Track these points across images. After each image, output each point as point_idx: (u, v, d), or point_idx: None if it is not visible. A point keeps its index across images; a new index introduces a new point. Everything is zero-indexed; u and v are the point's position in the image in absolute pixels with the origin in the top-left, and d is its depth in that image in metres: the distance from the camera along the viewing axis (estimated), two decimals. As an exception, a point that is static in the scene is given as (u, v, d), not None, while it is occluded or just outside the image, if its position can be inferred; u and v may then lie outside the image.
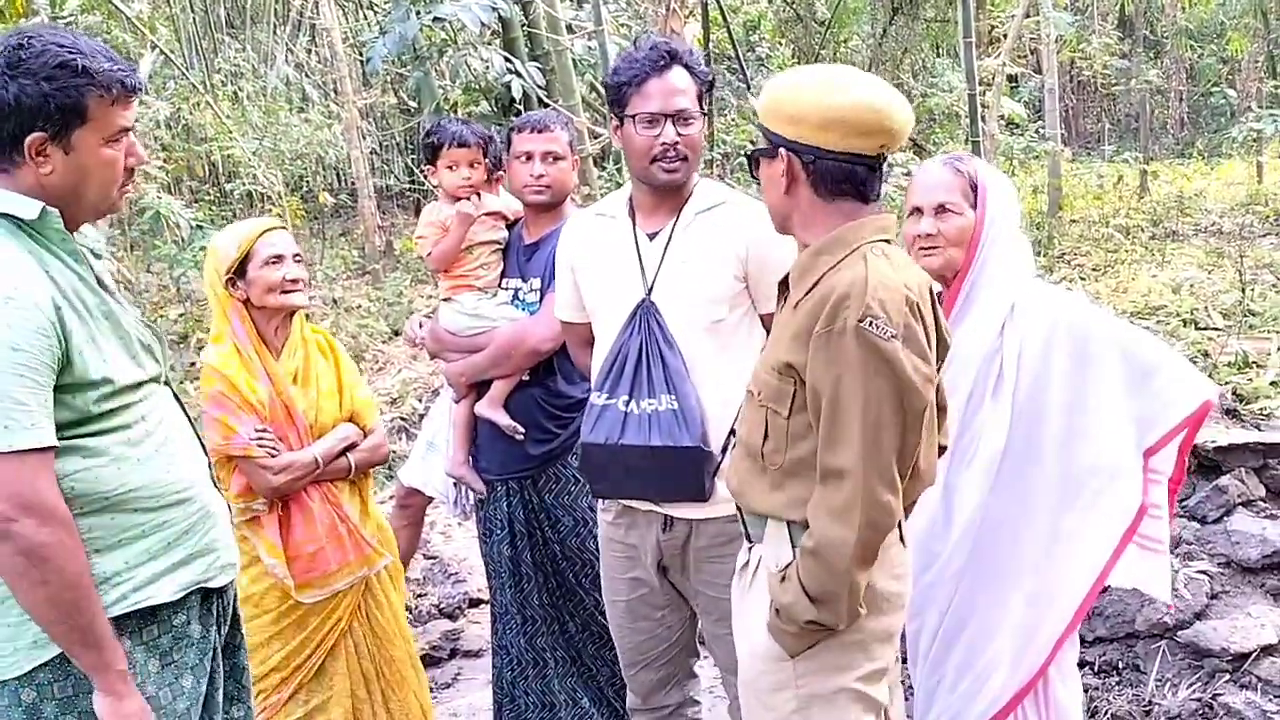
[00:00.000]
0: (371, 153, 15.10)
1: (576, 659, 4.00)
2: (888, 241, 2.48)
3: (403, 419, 7.94)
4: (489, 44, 7.61)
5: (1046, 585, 3.06)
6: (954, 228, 3.08)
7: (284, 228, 3.58)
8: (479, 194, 4.01)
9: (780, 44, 17.13)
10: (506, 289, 3.96)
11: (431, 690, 4.20)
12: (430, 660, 4.92)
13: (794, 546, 2.50)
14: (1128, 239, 11.76)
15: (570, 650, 3.99)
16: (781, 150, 2.48)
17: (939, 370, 2.55)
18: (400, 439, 7.64)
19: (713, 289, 3.11)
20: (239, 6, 16.99)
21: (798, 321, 2.45)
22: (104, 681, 2.40)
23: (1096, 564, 3.04)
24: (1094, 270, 10.71)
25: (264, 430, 3.44)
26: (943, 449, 2.69)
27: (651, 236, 3.22)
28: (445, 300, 4.02)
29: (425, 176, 4.25)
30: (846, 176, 2.47)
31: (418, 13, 7.01)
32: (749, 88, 12.87)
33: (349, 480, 3.63)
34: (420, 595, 5.57)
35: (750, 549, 2.67)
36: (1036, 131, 13.34)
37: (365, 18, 15.79)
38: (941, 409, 2.64)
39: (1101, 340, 3.04)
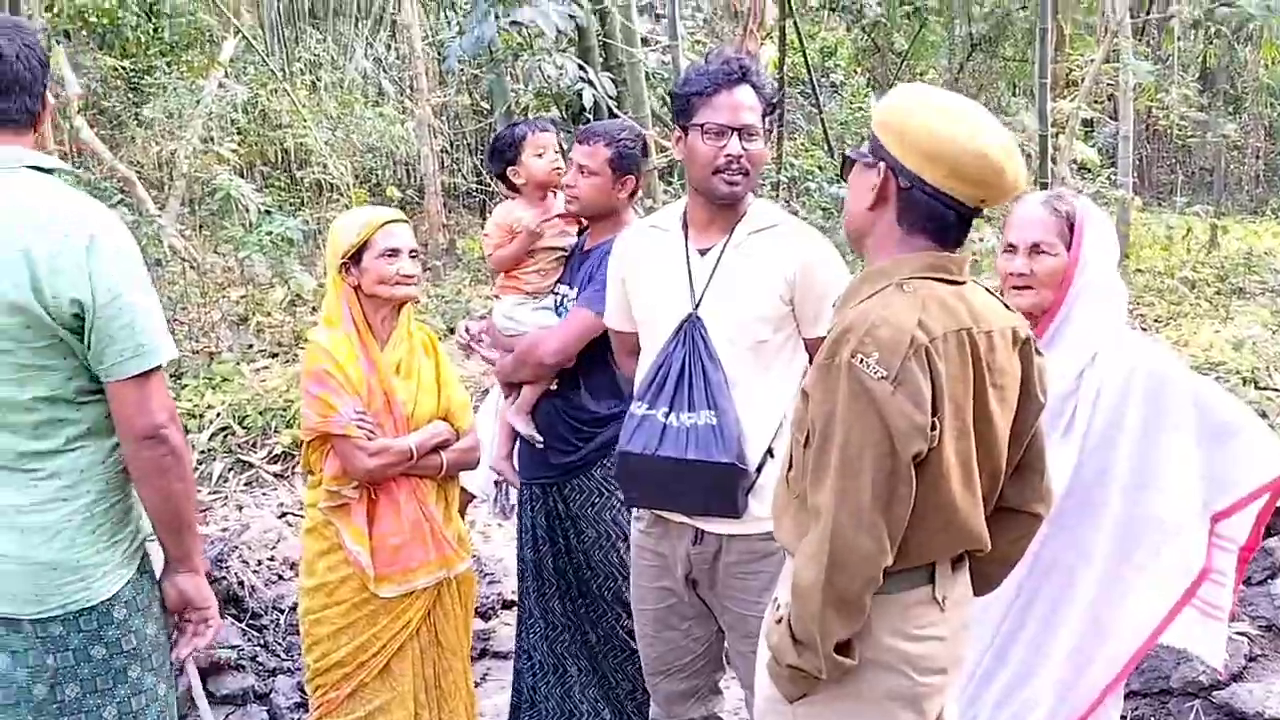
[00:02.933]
0: (442, 151, 15.20)
1: (597, 670, 4.00)
2: (948, 282, 2.35)
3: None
4: (564, 51, 7.65)
5: (1095, 634, 3.03)
6: (1046, 269, 3.07)
7: (405, 220, 3.59)
8: (554, 192, 4.05)
9: (856, 72, 17.09)
10: (557, 294, 4.00)
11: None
12: (460, 658, 4.93)
13: None
14: (1192, 292, 11.61)
15: (591, 660, 4.00)
16: (882, 164, 2.36)
17: (1033, 425, 2.47)
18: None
19: (759, 309, 3.13)
20: (323, -2, 17.16)
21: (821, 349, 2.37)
22: (193, 563, 2.76)
23: (1150, 620, 3.00)
24: (1156, 321, 10.58)
25: (363, 413, 3.45)
26: (1037, 517, 2.57)
27: (703, 252, 3.24)
28: (495, 297, 4.08)
29: (494, 179, 4.27)
30: (934, 216, 2.35)
31: (496, 15, 7.08)
32: (821, 113, 12.86)
33: (436, 480, 3.61)
34: (454, 593, 5.58)
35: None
36: (1108, 178, 13.19)
37: (445, 17, 15.92)
38: (1035, 470, 2.54)
39: (1179, 393, 3.00)
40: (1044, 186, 7.77)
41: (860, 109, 13.76)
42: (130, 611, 2.63)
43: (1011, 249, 3.13)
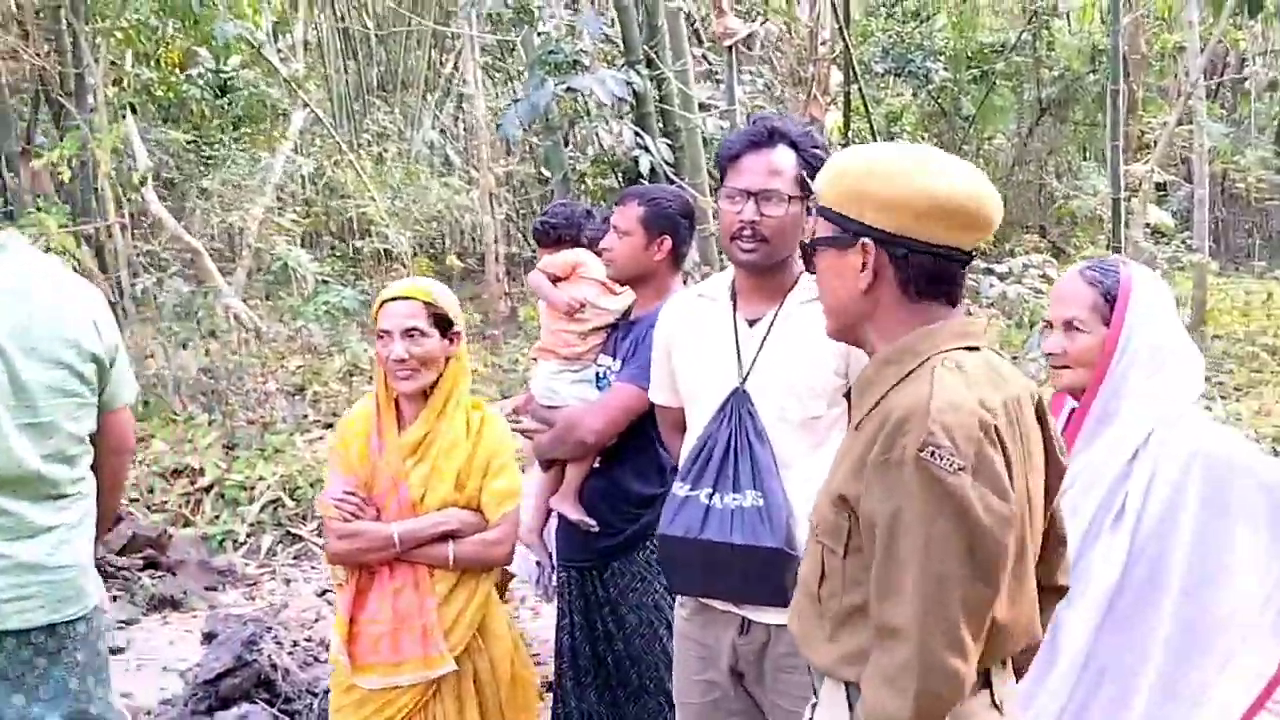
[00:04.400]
0: (507, 219, 15.23)
1: (637, 763, 3.77)
2: (976, 349, 2.14)
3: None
4: (621, 117, 7.56)
5: None
6: (1080, 347, 2.84)
7: (409, 297, 3.30)
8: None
9: (923, 137, 16.91)
10: (600, 365, 3.84)
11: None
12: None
13: (850, 710, 2.14)
14: (1274, 359, 11.24)
15: None
16: (865, 241, 2.13)
17: (1056, 496, 2.23)
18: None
19: (811, 382, 2.93)
20: (391, 71, 17.37)
21: (856, 447, 2.11)
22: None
23: None
24: (1236, 390, 10.24)
25: (352, 493, 3.29)
26: (1063, 590, 2.35)
27: (751, 323, 3.05)
28: (533, 359, 3.95)
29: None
30: (942, 275, 2.13)
31: (552, 81, 7.00)
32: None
33: (456, 572, 3.34)
34: (498, 674, 5.38)
35: (813, 705, 2.33)
36: (1183, 242, 12.87)
37: (513, 88, 16.02)
38: (1060, 541, 2.31)
39: (1249, 481, 2.71)
40: (1117, 251, 7.50)
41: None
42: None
43: (1049, 326, 2.92)
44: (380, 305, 3.32)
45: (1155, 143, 12.89)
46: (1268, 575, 2.69)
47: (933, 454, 1.94)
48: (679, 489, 3.01)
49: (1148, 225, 12.14)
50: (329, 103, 15.61)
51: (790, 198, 2.97)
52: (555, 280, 3.98)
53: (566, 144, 8.55)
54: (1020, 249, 11.39)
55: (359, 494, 3.31)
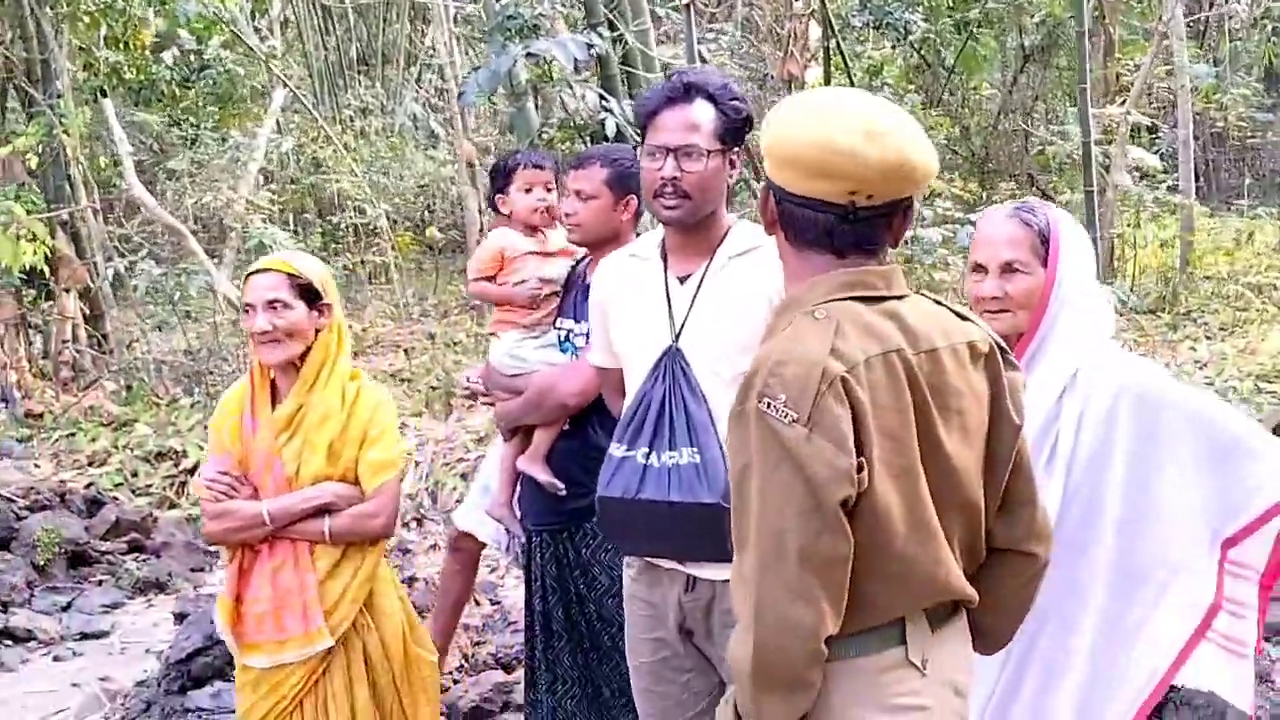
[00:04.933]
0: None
1: (608, 727, 3.77)
2: (874, 299, 2.09)
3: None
4: (586, 80, 7.51)
5: (1102, 682, 2.72)
6: (1022, 289, 2.77)
7: (271, 269, 3.27)
8: (544, 233, 3.90)
9: (909, 90, 16.75)
10: (560, 329, 3.80)
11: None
12: (480, 713, 4.74)
13: None
14: (1259, 297, 11.19)
15: (602, 717, 3.77)
16: (762, 185, 2.18)
17: (1012, 450, 2.19)
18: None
19: (743, 337, 2.89)
20: (371, 45, 17.27)
21: None
22: None
23: (1160, 663, 2.70)
24: (1221, 329, 10.20)
25: (225, 473, 3.30)
26: (1031, 555, 2.28)
27: (682, 280, 3.04)
28: (491, 334, 3.90)
29: (496, 208, 4.13)
30: (809, 224, 2.09)
31: (516, 47, 6.93)
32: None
33: (340, 546, 3.33)
34: (479, 643, 5.40)
35: None
36: (1170, 185, 12.78)
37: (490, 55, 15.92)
38: (1024, 502, 2.25)
39: (1174, 413, 2.70)
40: (1089, 194, 7.46)
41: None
42: None
43: (980, 270, 2.84)
44: (245, 280, 3.32)
45: (1130, 85, 12.80)
46: (1201, 507, 2.69)
47: (769, 406, 1.94)
48: (615, 450, 3.01)
49: (1137, 169, 12.08)
50: (309, 79, 15.54)
51: (710, 152, 2.94)
52: (492, 279, 3.92)
53: (540, 111, 8.48)
54: (998, 198, 11.32)
55: (233, 473, 3.32)
